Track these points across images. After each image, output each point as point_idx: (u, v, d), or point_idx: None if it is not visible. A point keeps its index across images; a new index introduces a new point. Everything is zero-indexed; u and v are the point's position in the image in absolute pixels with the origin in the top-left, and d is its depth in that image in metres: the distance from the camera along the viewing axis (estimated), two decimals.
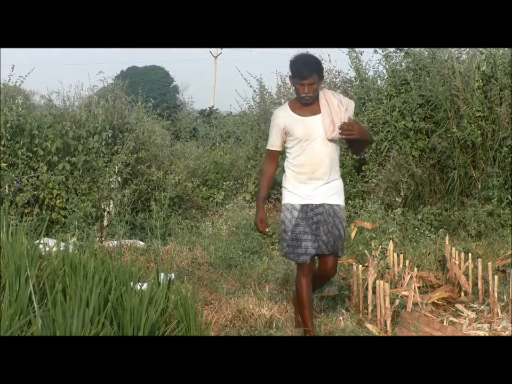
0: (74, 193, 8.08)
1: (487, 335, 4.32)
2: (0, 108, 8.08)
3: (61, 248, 4.28)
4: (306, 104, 4.17)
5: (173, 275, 4.60)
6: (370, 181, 8.50)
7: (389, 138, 8.46)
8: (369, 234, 6.65)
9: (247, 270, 6.07)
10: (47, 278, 3.86)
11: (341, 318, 4.70)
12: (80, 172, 8.22)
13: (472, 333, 4.37)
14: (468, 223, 7.29)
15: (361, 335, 4.37)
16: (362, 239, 6.65)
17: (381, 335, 4.37)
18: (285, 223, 4.22)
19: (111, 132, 8.49)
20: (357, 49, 9.39)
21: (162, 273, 4.16)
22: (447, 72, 8.07)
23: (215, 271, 6.25)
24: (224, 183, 9.51)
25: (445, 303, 5.06)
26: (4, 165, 7.86)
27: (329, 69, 10.27)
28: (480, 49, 8.13)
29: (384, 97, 8.73)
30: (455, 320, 4.63)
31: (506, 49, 7.86)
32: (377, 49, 8.97)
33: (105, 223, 7.78)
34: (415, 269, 5.41)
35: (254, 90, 10.46)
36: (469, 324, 4.54)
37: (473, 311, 4.85)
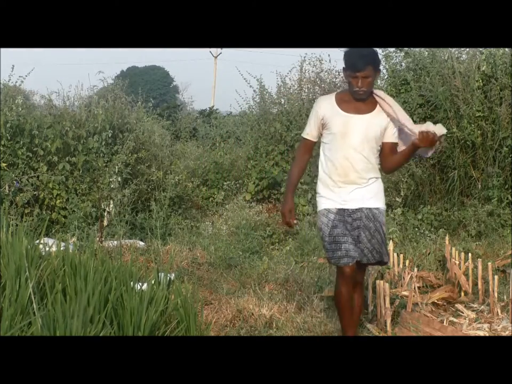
0: (74, 193, 8.08)
1: (487, 335, 4.32)
2: (0, 107, 8.08)
3: (61, 248, 4.28)
4: (359, 99, 3.82)
5: (173, 275, 4.61)
6: None
7: None
8: None
9: (247, 270, 6.07)
10: (47, 278, 3.86)
11: None
12: (80, 172, 8.23)
13: (472, 333, 4.37)
14: (468, 223, 7.29)
15: (361, 335, 4.37)
16: None
17: (381, 335, 4.37)
18: (322, 228, 3.89)
19: (111, 132, 8.50)
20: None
21: (162, 273, 4.16)
22: (447, 72, 8.07)
23: (215, 271, 6.24)
24: (224, 183, 9.51)
25: (445, 303, 5.06)
26: (4, 165, 7.86)
27: (329, 69, 10.29)
28: (480, 49, 8.14)
29: None
30: (455, 320, 4.63)
31: (506, 49, 7.86)
32: (377, 49, 8.96)
33: (105, 223, 7.78)
34: (415, 269, 5.41)
35: (254, 90, 10.46)
36: (469, 324, 4.54)
37: (473, 311, 4.84)
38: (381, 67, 8.63)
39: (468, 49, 8.31)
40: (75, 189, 8.13)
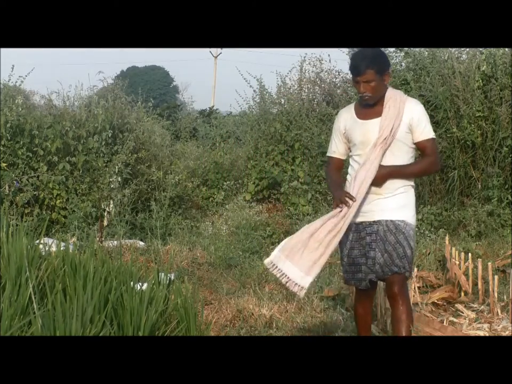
0: (74, 193, 8.08)
1: (487, 335, 4.32)
2: (0, 107, 8.08)
3: (61, 248, 4.28)
4: (366, 105, 3.59)
5: (173, 275, 4.60)
6: None
7: None
8: None
9: (247, 270, 6.07)
10: (47, 278, 3.85)
11: (341, 318, 4.70)
12: (80, 172, 8.23)
13: (472, 333, 4.37)
14: (468, 223, 7.30)
15: None
16: None
17: (381, 335, 4.37)
18: (341, 246, 3.68)
19: (111, 132, 8.50)
20: (357, 49, 9.39)
21: (162, 273, 4.16)
22: (447, 72, 8.08)
23: (215, 271, 6.25)
24: (224, 183, 9.52)
25: (445, 303, 5.07)
26: (4, 165, 7.86)
27: (329, 69, 10.29)
28: (480, 49, 8.14)
29: None
30: (455, 320, 4.63)
31: (506, 49, 7.87)
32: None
33: (105, 223, 7.78)
34: (415, 269, 5.41)
35: (254, 90, 10.46)
36: (469, 324, 4.55)
37: (473, 311, 4.85)
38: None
39: (467, 49, 8.32)
40: (75, 189, 8.13)
